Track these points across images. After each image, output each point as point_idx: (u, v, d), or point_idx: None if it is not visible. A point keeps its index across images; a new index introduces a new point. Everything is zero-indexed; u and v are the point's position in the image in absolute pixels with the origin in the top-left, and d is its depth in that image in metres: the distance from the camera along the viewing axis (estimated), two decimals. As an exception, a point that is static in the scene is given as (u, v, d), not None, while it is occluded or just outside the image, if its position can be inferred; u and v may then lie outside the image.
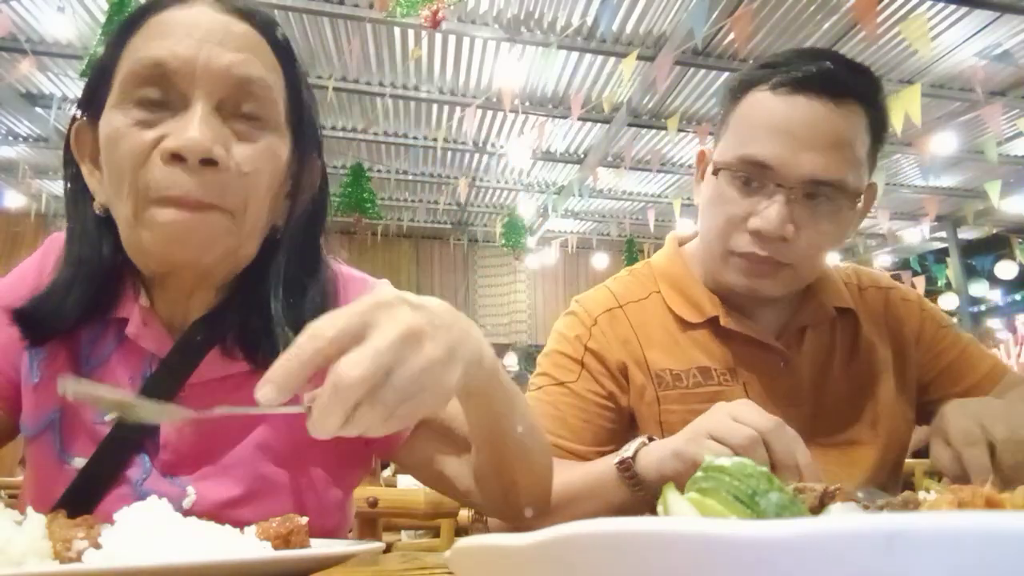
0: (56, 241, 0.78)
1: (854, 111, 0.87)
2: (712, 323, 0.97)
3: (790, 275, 0.91)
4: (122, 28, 0.69)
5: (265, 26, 0.71)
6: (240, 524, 0.60)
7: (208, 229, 0.65)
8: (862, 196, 0.92)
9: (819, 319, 0.99)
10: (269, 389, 0.46)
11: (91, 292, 0.71)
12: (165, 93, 0.65)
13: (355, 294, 0.79)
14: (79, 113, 0.73)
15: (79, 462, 0.70)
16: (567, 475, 0.86)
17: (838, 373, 0.98)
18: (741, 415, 0.71)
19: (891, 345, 1.01)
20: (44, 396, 0.73)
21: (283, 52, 0.73)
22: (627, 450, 0.80)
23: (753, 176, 0.88)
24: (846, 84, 0.87)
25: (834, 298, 1.00)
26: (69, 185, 0.74)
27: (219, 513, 0.64)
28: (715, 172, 0.92)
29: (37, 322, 0.70)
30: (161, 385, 0.70)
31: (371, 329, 0.47)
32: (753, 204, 0.88)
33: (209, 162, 0.63)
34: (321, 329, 0.47)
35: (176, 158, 0.62)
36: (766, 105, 0.88)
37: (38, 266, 0.78)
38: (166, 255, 0.66)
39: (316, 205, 0.80)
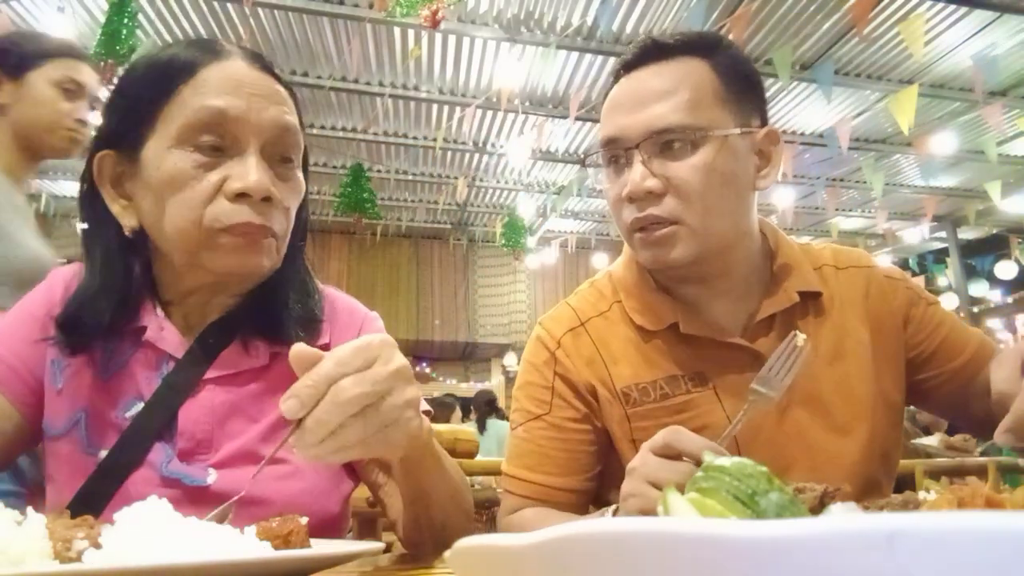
0: (59, 274, 0.88)
1: (682, 63, 0.92)
2: (674, 328, 0.95)
3: (687, 234, 0.89)
4: (164, 76, 0.77)
5: (281, 78, 0.83)
6: (261, 502, 0.72)
7: (265, 249, 0.78)
8: (748, 138, 0.92)
9: (784, 306, 0.96)
10: (293, 403, 0.54)
11: (118, 305, 0.81)
12: (221, 139, 0.76)
13: (345, 316, 0.91)
14: (102, 145, 0.81)
15: (104, 453, 0.77)
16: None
17: (812, 361, 0.93)
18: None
19: (871, 326, 0.98)
20: (69, 399, 0.80)
21: (295, 97, 0.85)
22: None
23: (614, 155, 0.94)
24: (666, 46, 0.93)
25: (798, 282, 0.97)
26: (91, 212, 0.83)
27: (238, 490, 0.73)
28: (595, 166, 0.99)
29: (75, 332, 0.79)
30: (178, 382, 0.79)
31: (376, 362, 0.57)
32: (624, 177, 0.92)
33: (267, 199, 0.76)
34: (344, 356, 0.56)
35: (241, 196, 0.75)
36: (609, 96, 0.97)
37: (45, 297, 0.85)
38: (230, 269, 0.77)
39: (299, 218, 0.89)
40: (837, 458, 0.92)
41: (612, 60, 4.61)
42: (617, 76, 0.97)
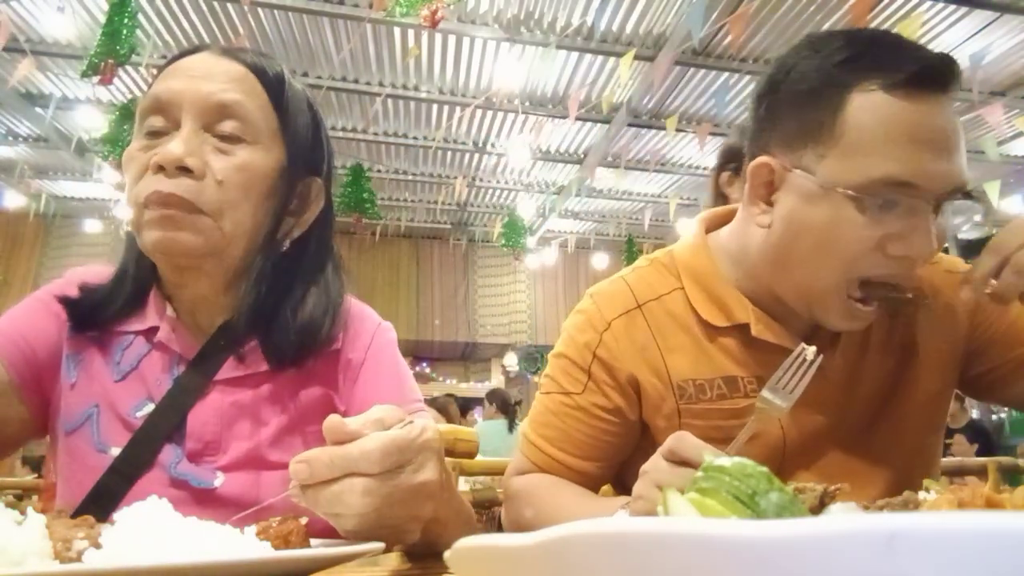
0: (77, 271, 0.89)
1: (952, 101, 0.79)
2: (739, 328, 0.90)
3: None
4: (153, 80, 0.83)
5: (255, 65, 0.82)
6: (263, 505, 0.69)
7: (187, 225, 0.75)
8: None
9: None
10: (303, 469, 0.53)
11: (127, 296, 0.83)
12: (165, 121, 0.78)
13: (357, 324, 0.89)
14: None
15: (115, 451, 0.77)
16: (575, 511, 0.83)
17: (871, 374, 0.92)
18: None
19: (931, 325, 0.94)
20: (82, 395, 0.81)
21: (273, 85, 0.83)
22: None
23: (892, 197, 0.76)
24: (951, 72, 0.77)
25: None
26: None
27: (245, 493, 0.75)
28: (844, 195, 0.78)
29: (83, 309, 0.82)
30: (189, 383, 0.80)
31: (406, 469, 0.55)
32: (888, 226, 0.77)
33: (184, 169, 0.75)
34: (374, 452, 0.53)
35: (160, 168, 0.75)
36: (888, 112, 0.76)
37: (60, 288, 0.85)
38: (154, 246, 0.76)
39: (319, 226, 0.88)
40: (880, 468, 0.91)
41: (612, 60, 4.61)
42: (895, 87, 0.76)
